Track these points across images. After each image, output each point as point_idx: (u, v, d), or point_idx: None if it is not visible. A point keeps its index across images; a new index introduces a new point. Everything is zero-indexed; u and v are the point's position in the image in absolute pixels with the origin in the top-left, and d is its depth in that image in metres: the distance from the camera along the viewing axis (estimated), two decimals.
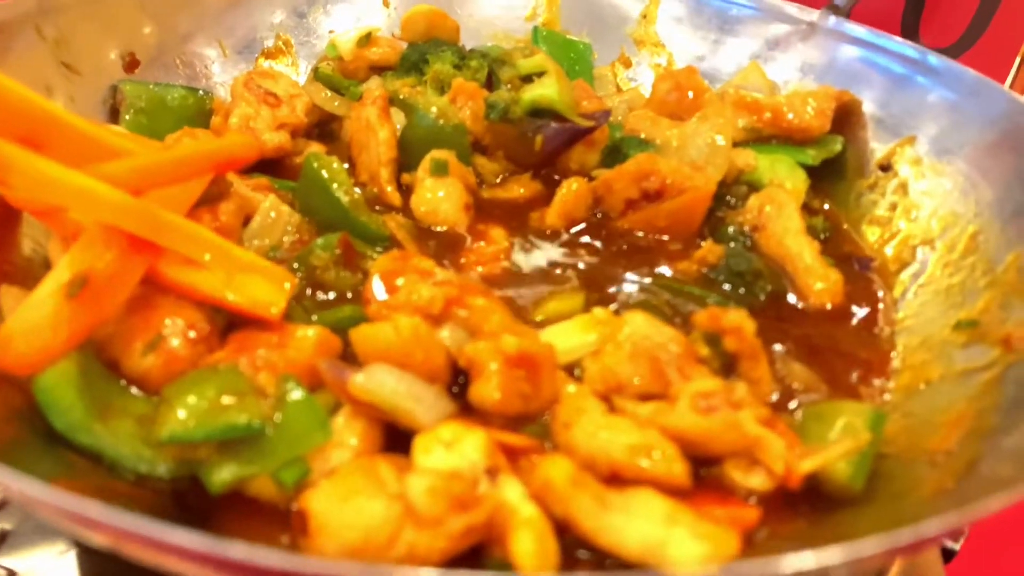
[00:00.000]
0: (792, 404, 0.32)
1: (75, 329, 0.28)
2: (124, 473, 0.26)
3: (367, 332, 0.29)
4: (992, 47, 0.82)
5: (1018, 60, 0.84)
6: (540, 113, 0.43)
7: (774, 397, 0.32)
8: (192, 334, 0.29)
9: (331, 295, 0.34)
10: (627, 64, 0.51)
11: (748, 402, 0.29)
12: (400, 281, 0.32)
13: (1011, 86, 0.85)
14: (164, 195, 0.30)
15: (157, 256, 0.30)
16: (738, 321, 0.31)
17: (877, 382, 0.33)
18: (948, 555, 0.41)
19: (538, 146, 0.43)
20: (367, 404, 0.27)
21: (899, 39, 0.43)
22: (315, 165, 0.38)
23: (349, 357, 0.30)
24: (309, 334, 0.30)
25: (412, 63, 0.46)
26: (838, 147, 0.43)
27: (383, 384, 0.27)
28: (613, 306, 0.36)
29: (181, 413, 0.26)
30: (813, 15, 0.46)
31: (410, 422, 0.27)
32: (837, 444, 0.28)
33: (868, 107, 0.43)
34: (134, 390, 0.29)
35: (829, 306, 0.37)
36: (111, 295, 0.28)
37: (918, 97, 0.41)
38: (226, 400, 0.26)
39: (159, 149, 0.33)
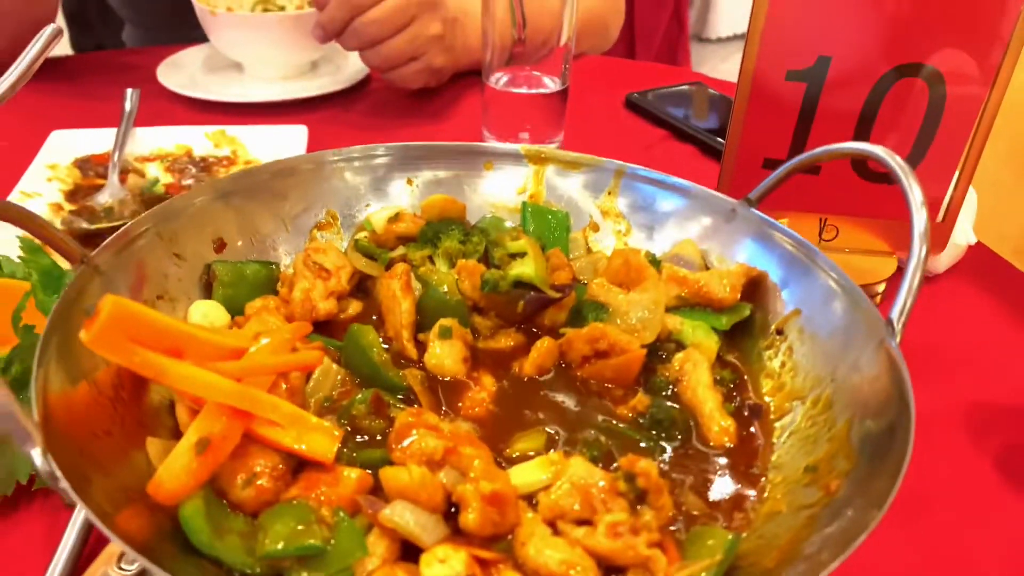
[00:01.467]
0: (679, 526, 0.46)
1: (202, 474, 0.42)
2: (235, 573, 0.40)
3: (391, 474, 0.43)
4: (934, 168, 0.97)
5: (957, 174, 0.98)
6: (522, 284, 0.57)
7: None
8: (275, 473, 0.44)
9: (366, 438, 0.48)
10: (595, 229, 0.66)
11: (647, 528, 0.43)
12: (414, 432, 0.46)
13: (951, 196, 0.99)
14: (256, 380, 0.45)
15: (251, 420, 0.44)
16: (647, 467, 0.44)
17: (747, 509, 0.47)
18: None
19: (520, 309, 0.57)
20: (391, 528, 0.41)
21: (788, 231, 0.57)
22: (356, 334, 0.53)
23: (378, 489, 0.44)
24: (352, 476, 0.44)
25: (429, 238, 0.61)
26: (747, 312, 0.57)
27: (402, 516, 0.41)
28: (564, 446, 0.50)
29: (273, 538, 0.40)
30: (734, 203, 0.61)
31: (418, 542, 0.41)
32: (700, 562, 0.41)
33: (770, 281, 0.57)
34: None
35: (728, 445, 0.51)
36: (224, 449, 0.43)
37: (800, 281, 0.55)
38: (300, 528, 0.40)
39: (251, 342, 0.47)
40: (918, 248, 0.49)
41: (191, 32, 1.35)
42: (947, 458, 0.69)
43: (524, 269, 0.57)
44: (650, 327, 0.55)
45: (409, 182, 0.66)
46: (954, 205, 1.02)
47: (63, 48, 1.73)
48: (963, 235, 1.06)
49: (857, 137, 0.99)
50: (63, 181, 1.08)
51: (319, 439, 0.45)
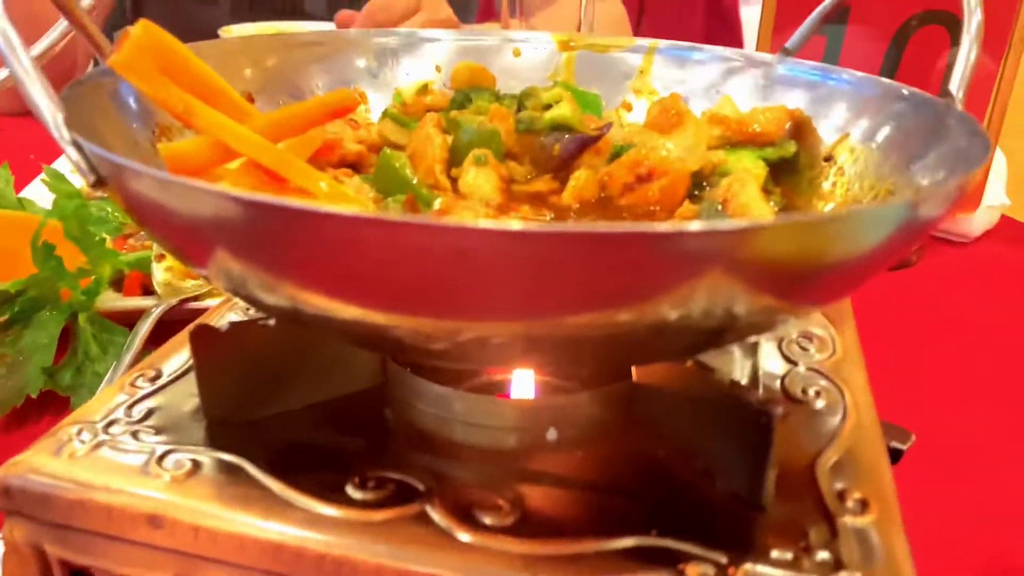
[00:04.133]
0: None
1: None
2: None
3: None
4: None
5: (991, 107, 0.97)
6: (558, 128, 0.55)
7: None
8: None
9: None
10: (629, 108, 0.65)
11: None
12: (455, 209, 0.44)
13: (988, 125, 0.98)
14: (290, 145, 0.43)
15: (282, 185, 0.42)
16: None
17: None
18: (896, 455, 0.49)
19: (556, 152, 0.55)
20: None
21: (834, 68, 0.56)
22: (388, 157, 0.51)
23: None
24: None
25: (459, 103, 0.60)
26: (792, 149, 0.55)
27: None
28: None
29: None
30: (771, 58, 0.60)
31: None
32: None
33: (818, 120, 0.56)
34: None
35: None
36: None
37: (845, 108, 0.54)
38: None
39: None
40: (971, 14, 0.47)
41: None
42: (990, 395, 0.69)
43: (561, 111, 0.55)
44: (693, 157, 0.53)
45: (438, 69, 0.65)
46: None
47: None
48: (995, 197, 1.04)
49: None
50: None
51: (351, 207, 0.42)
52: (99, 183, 0.33)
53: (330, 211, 0.26)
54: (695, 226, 0.26)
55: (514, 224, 0.25)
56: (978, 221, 1.02)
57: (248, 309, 0.53)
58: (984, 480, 0.60)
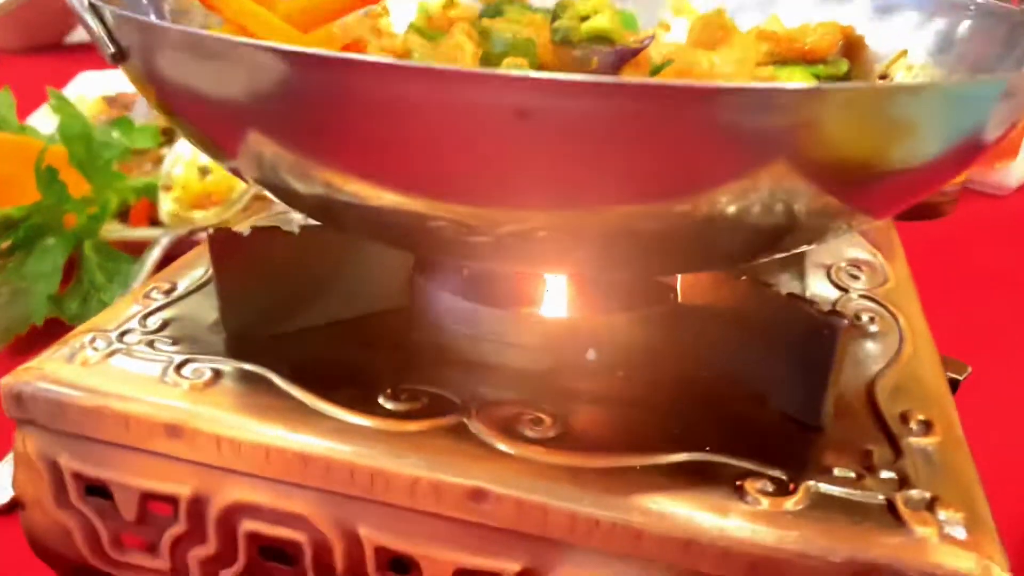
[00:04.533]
0: None
1: None
2: None
3: None
4: None
5: None
6: (596, 40, 0.52)
7: None
8: None
9: None
10: (667, 28, 0.61)
11: None
12: None
13: None
14: (319, 37, 0.40)
15: None
16: None
17: None
18: (953, 386, 0.46)
19: (594, 66, 0.52)
20: None
21: None
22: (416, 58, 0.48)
23: None
24: None
25: (489, 15, 0.57)
26: (844, 68, 0.52)
27: None
28: None
29: None
30: None
31: None
32: None
33: (874, 36, 0.52)
34: None
35: None
36: None
37: (904, 22, 0.51)
38: None
39: None
40: None
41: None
42: None
43: (599, 22, 0.52)
44: (741, 71, 0.50)
45: None
46: None
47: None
48: None
49: None
50: (90, 109, 1.05)
51: None
52: (119, 56, 0.30)
53: (379, 60, 0.23)
54: (767, 84, 0.23)
55: (581, 76, 0.22)
56: (1016, 173, 0.99)
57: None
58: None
